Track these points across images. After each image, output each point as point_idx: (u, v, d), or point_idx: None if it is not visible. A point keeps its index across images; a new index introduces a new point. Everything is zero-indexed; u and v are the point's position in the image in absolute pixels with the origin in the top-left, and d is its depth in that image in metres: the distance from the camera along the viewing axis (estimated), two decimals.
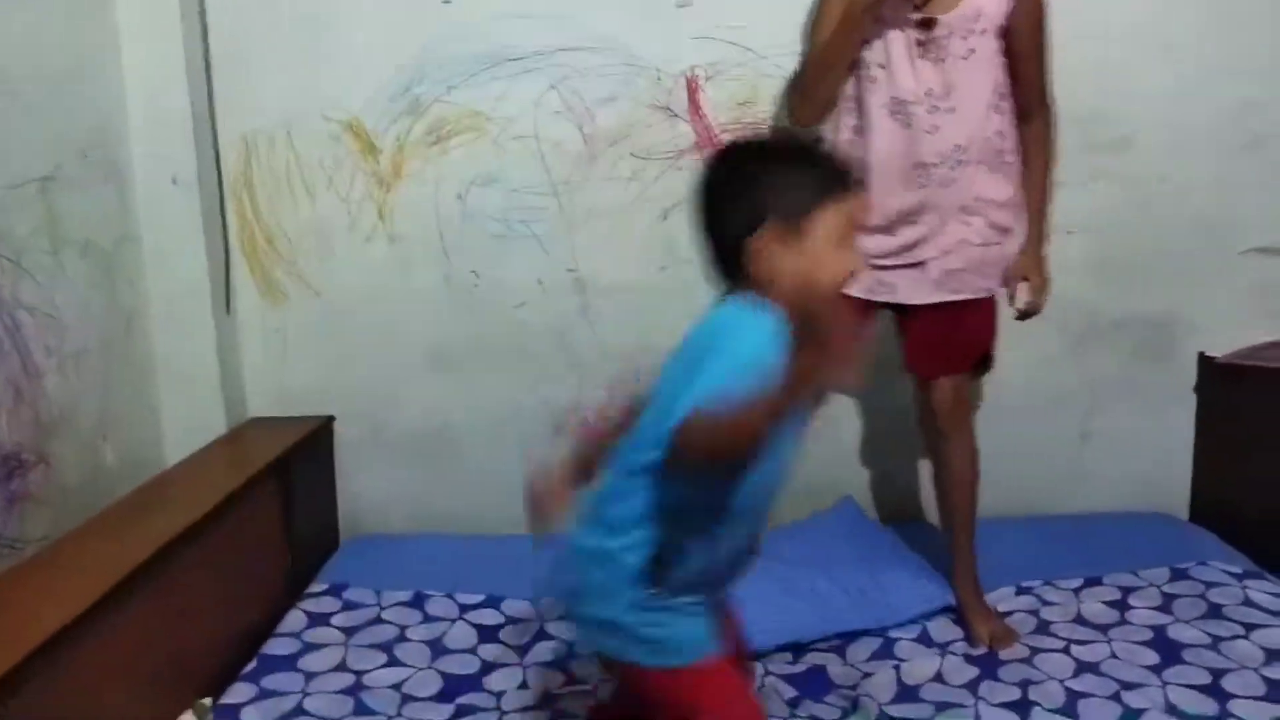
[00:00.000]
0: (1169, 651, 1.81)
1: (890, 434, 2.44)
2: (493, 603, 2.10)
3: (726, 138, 2.32)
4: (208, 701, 1.72)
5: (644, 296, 2.41)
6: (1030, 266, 1.90)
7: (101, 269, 2.07)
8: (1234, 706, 1.64)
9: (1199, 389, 2.44)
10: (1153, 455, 2.47)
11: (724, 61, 2.31)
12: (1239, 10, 2.28)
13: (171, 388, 2.28)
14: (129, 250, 2.19)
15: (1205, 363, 2.41)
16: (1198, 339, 2.42)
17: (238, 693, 1.76)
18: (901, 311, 1.90)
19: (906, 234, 1.81)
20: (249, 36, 2.32)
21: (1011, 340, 2.41)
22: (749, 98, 2.31)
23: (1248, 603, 1.92)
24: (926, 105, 1.75)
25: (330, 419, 2.47)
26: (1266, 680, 1.70)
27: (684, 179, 2.34)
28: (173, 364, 2.28)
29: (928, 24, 1.74)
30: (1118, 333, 2.43)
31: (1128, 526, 2.30)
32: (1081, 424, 2.47)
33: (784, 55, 2.22)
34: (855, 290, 1.77)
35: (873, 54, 1.78)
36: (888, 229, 1.80)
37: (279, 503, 2.17)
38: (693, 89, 2.32)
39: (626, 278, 2.40)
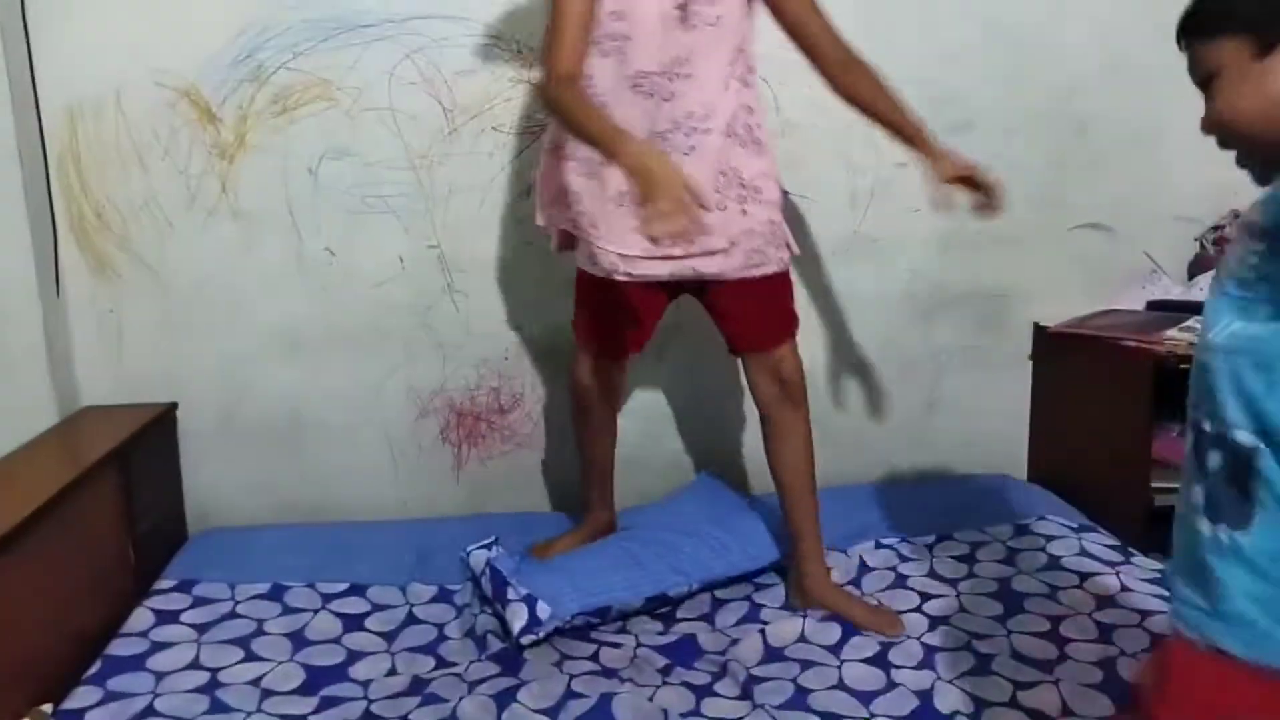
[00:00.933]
0: (1012, 601, 1.93)
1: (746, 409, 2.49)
2: (358, 590, 2.03)
3: None
4: (47, 708, 1.59)
5: (510, 273, 2.38)
6: (947, 163, 1.74)
7: None
8: (1070, 650, 1.76)
9: (1034, 357, 2.60)
10: (993, 420, 2.62)
11: None
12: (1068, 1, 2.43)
13: None
14: None
15: (1039, 332, 2.57)
16: (1032, 310, 2.58)
17: (81, 697, 1.64)
18: (700, 290, 1.89)
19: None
20: None
21: (864, 313, 2.53)
22: None
23: (1083, 553, 2.06)
24: (669, 74, 1.72)
25: (172, 406, 2.33)
26: (1098, 624, 1.83)
27: None
28: None
29: None
30: (960, 305, 2.56)
31: (974, 487, 2.43)
32: (928, 391, 2.60)
33: None
34: (660, 273, 1.78)
35: (621, 25, 1.70)
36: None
37: (119, 496, 2.03)
38: None
39: (491, 254, 2.36)
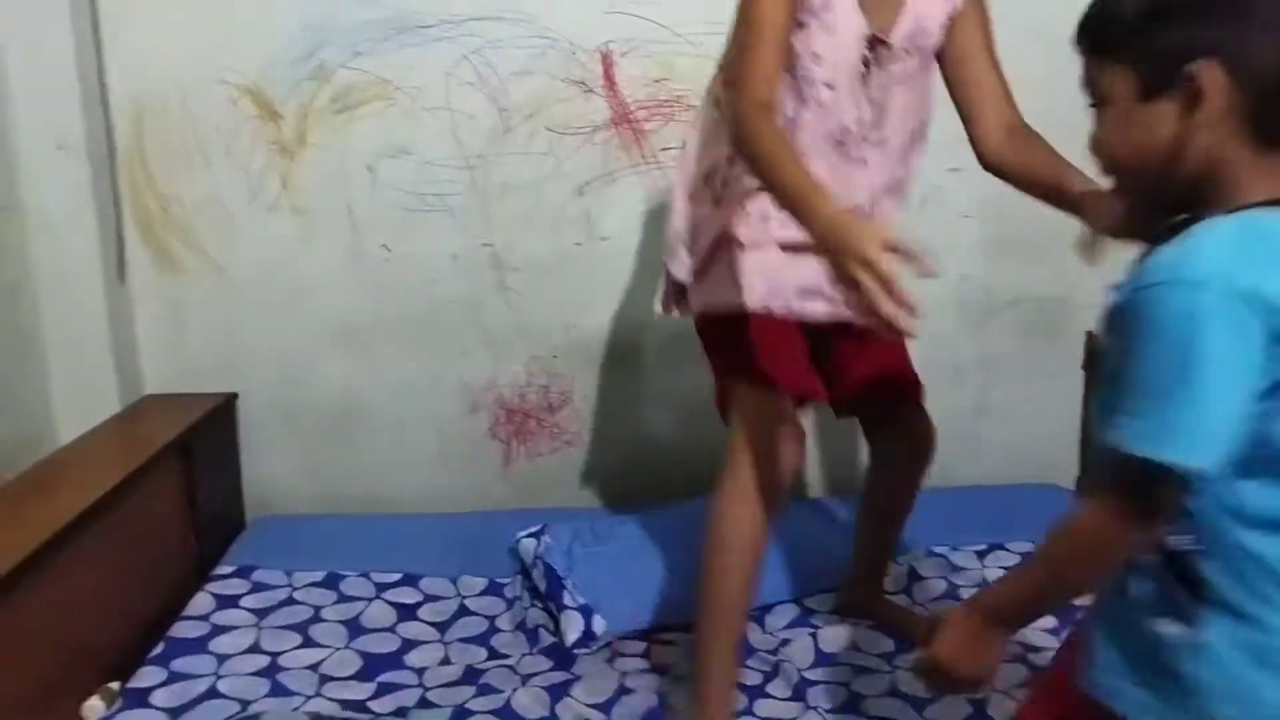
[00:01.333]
0: (1063, 613, 1.91)
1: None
2: (410, 581, 2.06)
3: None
4: (115, 686, 1.64)
5: (560, 272, 2.40)
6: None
7: None
8: None
9: (1086, 366, 2.58)
10: (1043, 428, 2.60)
11: (638, 37, 2.30)
12: None
13: (62, 364, 2.16)
14: (11, 220, 2.07)
15: (1091, 340, 2.55)
16: (1085, 318, 2.55)
17: (146, 676, 1.69)
18: (826, 340, 1.65)
19: None
20: None
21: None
22: (664, 74, 2.31)
23: None
24: (860, 134, 1.51)
25: (233, 396, 2.38)
26: None
27: (599, 154, 2.36)
28: (63, 339, 2.16)
29: (878, 42, 1.47)
30: (1011, 311, 2.55)
31: (1025, 496, 2.41)
32: (977, 398, 2.58)
33: (698, 33, 2.23)
34: (818, 313, 1.54)
35: (822, 70, 1.45)
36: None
37: (182, 483, 2.09)
38: (607, 64, 2.32)
39: (543, 253, 2.38)
